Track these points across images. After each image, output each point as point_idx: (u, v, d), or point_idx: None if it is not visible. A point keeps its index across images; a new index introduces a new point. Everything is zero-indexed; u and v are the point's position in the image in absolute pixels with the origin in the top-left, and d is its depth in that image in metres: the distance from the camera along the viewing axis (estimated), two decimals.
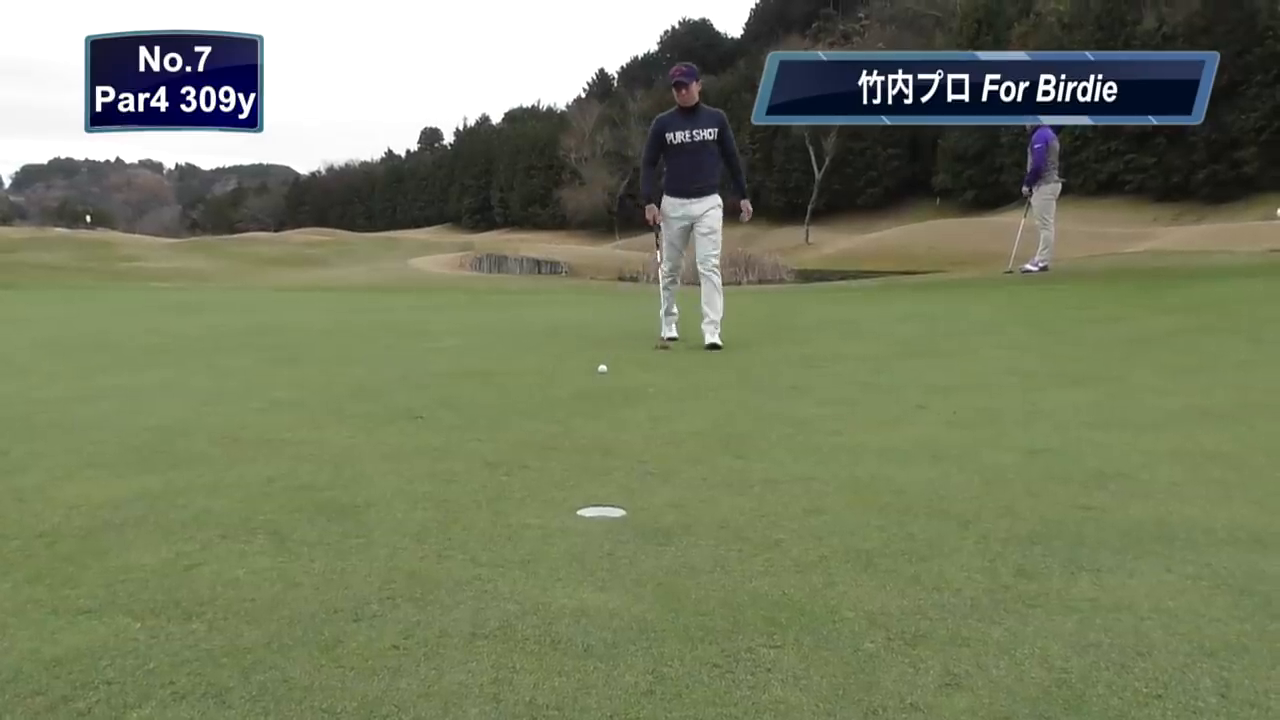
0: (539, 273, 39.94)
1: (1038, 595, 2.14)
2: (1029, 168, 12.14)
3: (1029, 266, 12.77)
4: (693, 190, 6.77)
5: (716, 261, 6.88)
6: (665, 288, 7.03)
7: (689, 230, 6.88)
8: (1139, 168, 49.56)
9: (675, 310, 7.03)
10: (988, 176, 55.22)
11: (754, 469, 3.28)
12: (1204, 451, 3.45)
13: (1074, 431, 3.83)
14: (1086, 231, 32.87)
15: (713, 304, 6.75)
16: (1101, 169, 50.74)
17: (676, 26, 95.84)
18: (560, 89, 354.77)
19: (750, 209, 7.07)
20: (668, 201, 6.91)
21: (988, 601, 2.11)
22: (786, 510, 2.79)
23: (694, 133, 6.66)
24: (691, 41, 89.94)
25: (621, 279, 30.00)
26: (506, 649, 1.87)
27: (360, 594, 2.16)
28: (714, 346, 6.52)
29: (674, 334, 6.98)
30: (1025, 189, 12.43)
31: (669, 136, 6.74)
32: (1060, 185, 12.54)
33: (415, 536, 2.56)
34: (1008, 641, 1.90)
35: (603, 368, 5.45)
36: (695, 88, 6.67)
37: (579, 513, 2.78)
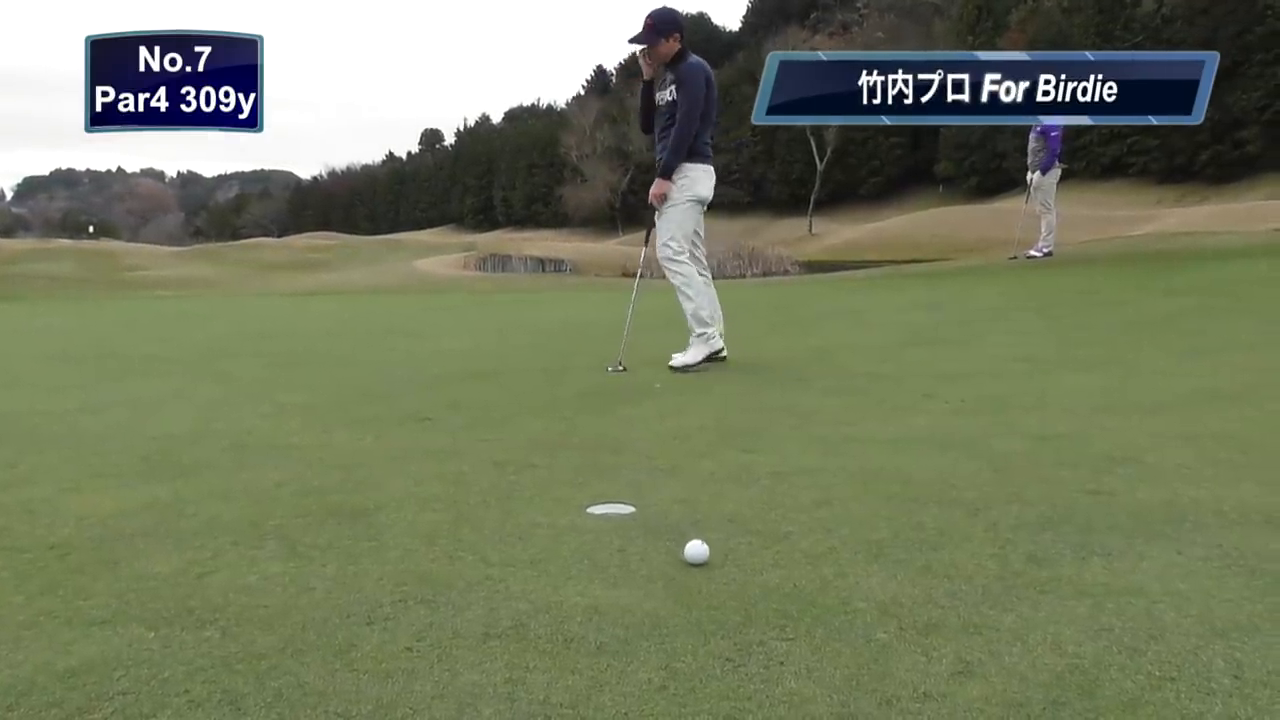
0: (543, 271, 39.97)
1: (1049, 581, 2.14)
2: (1045, 156, 12.06)
3: (1033, 252, 12.78)
4: (656, 165, 5.60)
5: (664, 253, 5.50)
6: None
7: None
8: (1142, 150, 49.48)
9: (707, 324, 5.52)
10: (990, 163, 55.15)
11: (761, 462, 3.28)
12: (1213, 433, 3.44)
13: (1082, 416, 3.82)
14: (1091, 215, 32.79)
15: (684, 307, 5.50)
16: (1105, 152, 50.67)
17: None
18: (559, 87, 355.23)
19: (660, 192, 5.44)
20: None
21: (999, 589, 2.10)
22: (795, 502, 2.79)
23: (662, 95, 5.54)
24: (690, 35, 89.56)
25: (626, 275, 30.00)
26: (519, 648, 1.88)
27: (372, 597, 2.16)
28: (670, 368, 5.38)
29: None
30: (1040, 174, 12.28)
31: (657, 96, 5.64)
32: (1061, 171, 12.55)
33: (426, 538, 2.57)
34: (1020, 628, 1.90)
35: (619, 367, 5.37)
36: (663, 47, 5.42)
37: (588, 510, 2.78)
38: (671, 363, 5.42)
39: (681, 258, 5.48)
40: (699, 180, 5.48)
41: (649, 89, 5.64)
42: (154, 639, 1.97)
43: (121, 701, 1.71)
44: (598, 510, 2.78)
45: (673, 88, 5.43)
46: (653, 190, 5.51)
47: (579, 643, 1.89)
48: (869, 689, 1.68)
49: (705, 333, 5.41)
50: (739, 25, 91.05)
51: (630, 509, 2.78)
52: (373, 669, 1.81)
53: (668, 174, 5.43)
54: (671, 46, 5.45)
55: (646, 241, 5.78)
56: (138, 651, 1.91)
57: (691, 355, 5.40)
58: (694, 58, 5.52)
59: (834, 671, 1.74)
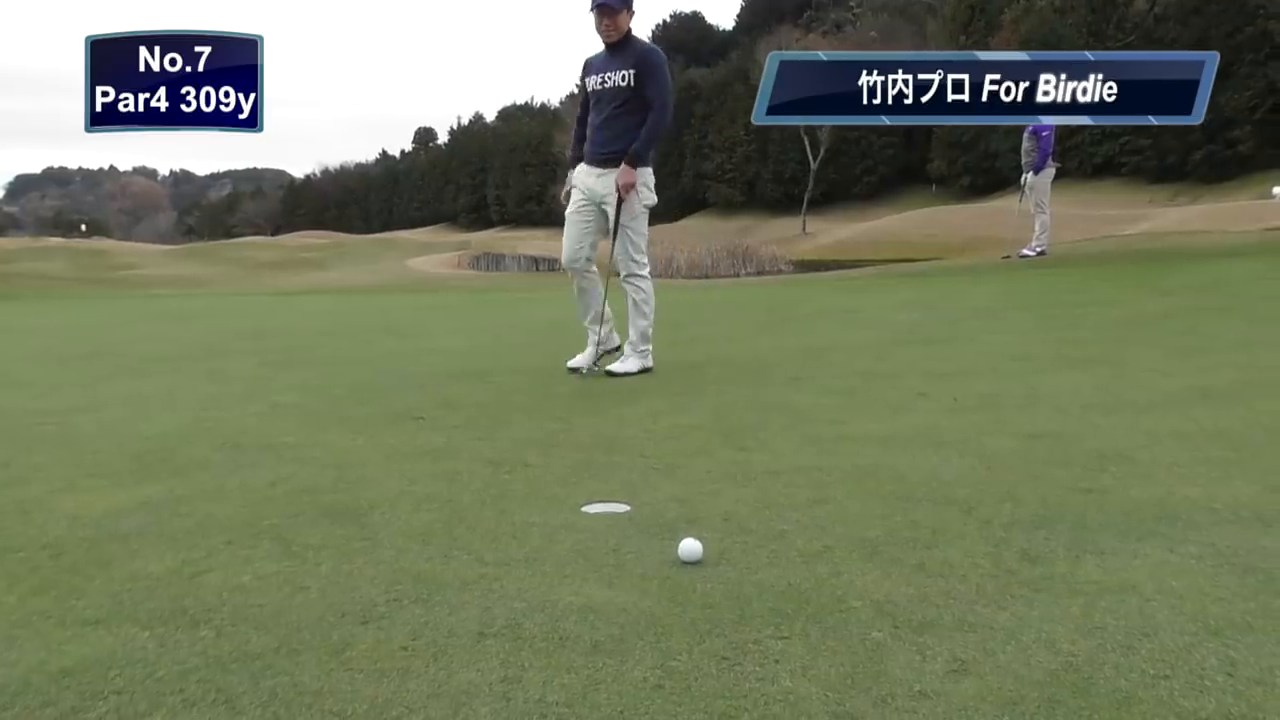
0: (536, 270, 39.90)
1: (1042, 579, 2.14)
2: (1037, 156, 12.14)
3: (1026, 251, 12.81)
4: (598, 157, 5.24)
5: (633, 268, 5.29)
6: (574, 284, 5.48)
7: (596, 211, 5.31)
8: (1134, 149, 49.57)
9: (596, 322, 5.37)
10: (983, 162, 55.20)
11: (756, 460, 3.28)
12: (1204, 431, 3.45)
13: (1075, 414, 3.83)
14: (1083, 215, 32.83)
15: (634, 322, 5.28)
16: (1097, 152, 50.76)
17: (668, 20, 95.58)
18: (553, 85, 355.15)
19: (629, 181, 5.09)
20: (579, 169, 5.38)
21: (993, 587, 2.11)
22: (790, 501, 2.79)
23: (606, 76, 5.14)
24: (684, 35, 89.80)
25: (617, 274, 29.97)
26: (515, 647, 1.88)
27: (367, 596, 2.16)
28: (609, 373, 5.20)
29: (580, 362, 5.36)
30: (1032, 175, 12.37)
31: (588, 81, 5.29)
32: (1055, 169, 12.61)
33: (420, 537, 2.57)
34: (1014, 626, 1.90)
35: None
36: (624, 18, 5.09)
37: (583, 509, 2.79)
38: (610, 368, 5.29)
39: (647, 272, 5.35)
40: (651, 186, 5.31)
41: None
42: (148, 638, 1.97)
43: (116, 701, 1.71)
44: (593, 509, 2.78)
45: (628, 72, 5.08)
46: (621, 180, 5.08)
47: (574, 641, 1.89)
48: (864, 687, 1.68)
49: (648, 350, 5.32)
50: (732, 24, 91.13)
51: (625, 508, 2.78)
52: (368, 668, 1.81)
53: (637, 162, 5.11)
54: (628, 19, 5.16)
55: (614, 237, 5.28)
56: (132, 651, 1.91)
57: (632, 364, 5.27)
58: (646, 41, 5.39)
59: (829, 670, 1.75)
